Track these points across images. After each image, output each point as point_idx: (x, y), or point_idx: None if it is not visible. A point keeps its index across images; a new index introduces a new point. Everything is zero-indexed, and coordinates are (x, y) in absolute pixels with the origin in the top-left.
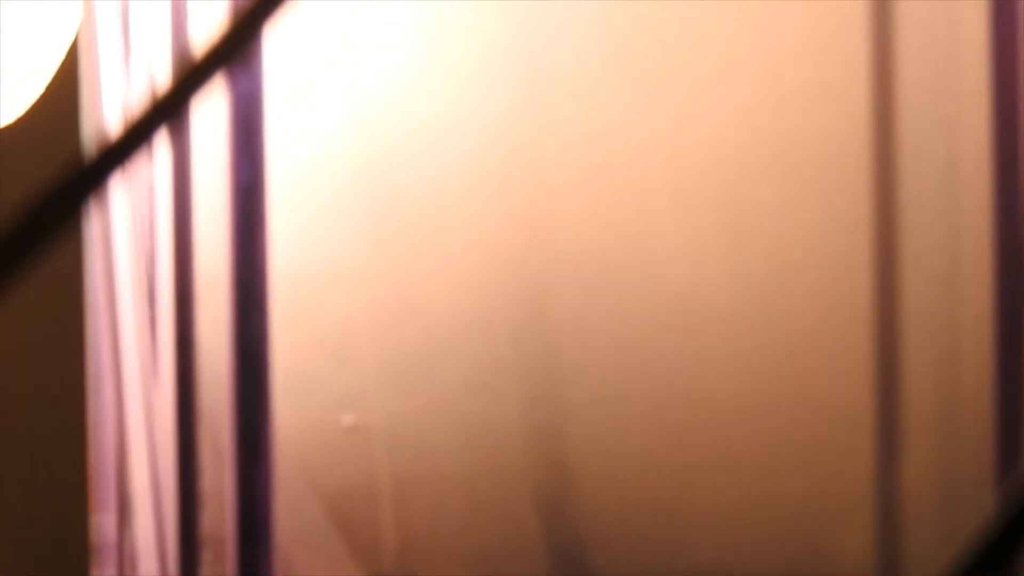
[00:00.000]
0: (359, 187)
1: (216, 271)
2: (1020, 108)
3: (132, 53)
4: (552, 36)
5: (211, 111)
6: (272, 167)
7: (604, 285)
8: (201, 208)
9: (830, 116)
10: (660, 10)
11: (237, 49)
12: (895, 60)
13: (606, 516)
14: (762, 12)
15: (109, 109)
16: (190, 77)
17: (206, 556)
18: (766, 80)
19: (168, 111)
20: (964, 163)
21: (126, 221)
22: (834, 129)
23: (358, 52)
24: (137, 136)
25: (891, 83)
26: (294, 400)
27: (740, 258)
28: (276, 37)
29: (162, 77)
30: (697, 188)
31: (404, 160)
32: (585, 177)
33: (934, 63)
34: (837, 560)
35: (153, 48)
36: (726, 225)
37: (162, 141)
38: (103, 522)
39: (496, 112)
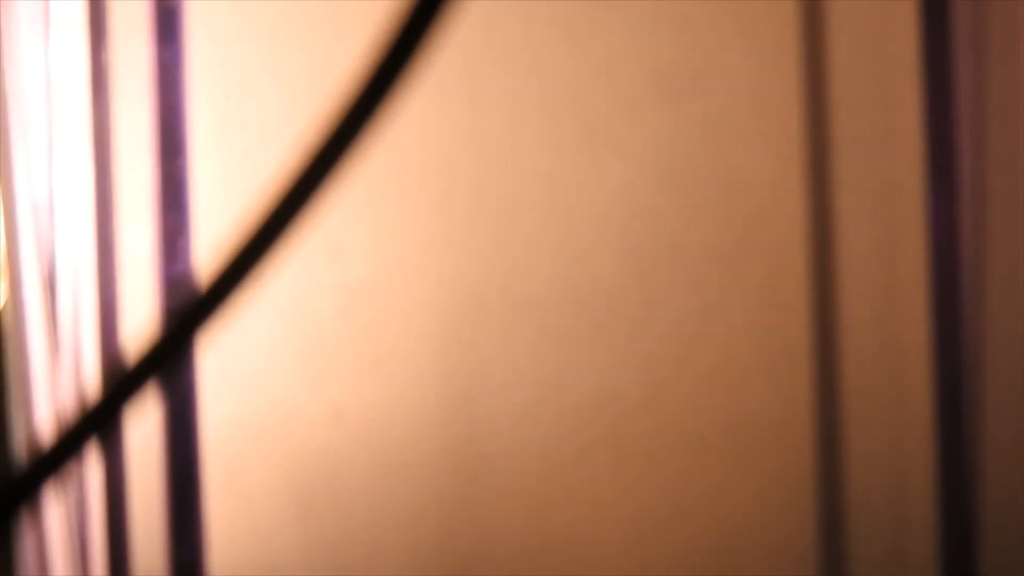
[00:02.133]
0: (293, 481)
1: (153, 573)
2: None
3: (61, 351)
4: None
5: (144, 414)
6: (207, 464)
7: None
8: (136, 510)
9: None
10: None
11: (170, 354)
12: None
13: None
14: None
15: (39, 413)
16: (122, 384)
17: None
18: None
19: (100, 419)
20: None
21: (59, 528)
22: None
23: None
24: (69, 444)
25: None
26: None
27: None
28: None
29: (93, 383)
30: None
31: (337, 452)
32: (522, 481)
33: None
34: None
35: (83, 347)
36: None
37: (94, 449)
38: None
39: (427, 412)
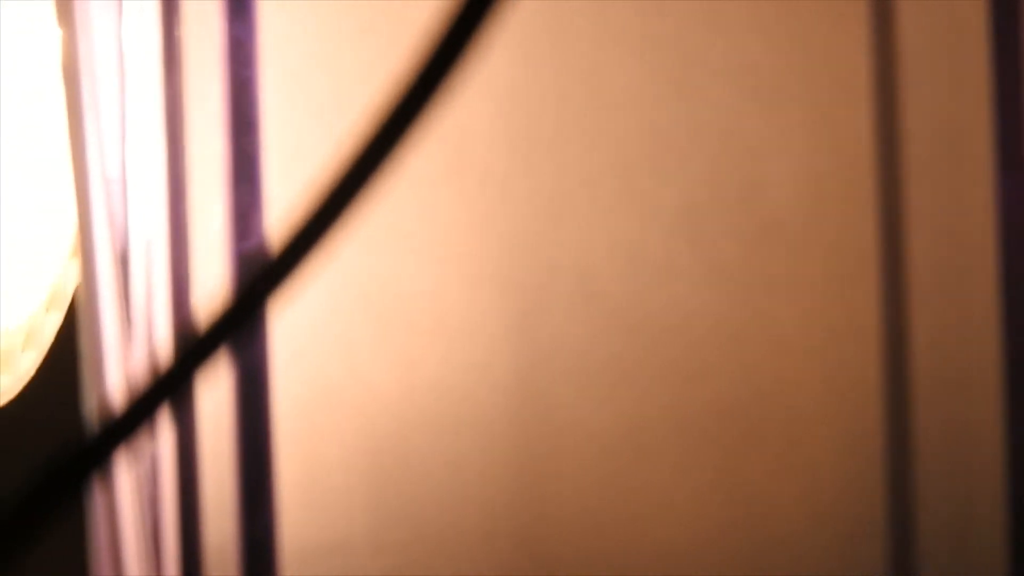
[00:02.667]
0: (367, 461)
1: (224, 547)
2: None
3: (134, 325)
4: (550, 314)
5: (216, 383)
6: (278, 436)
7: (605, 545)
8: (207, 482)
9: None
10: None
11: (241, 321)
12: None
13: None
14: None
15: (111, 384)
16: (193, 351)
17: None
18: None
19: (172, 386)
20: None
21: (130, 498)
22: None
23: (370, 343)
24: (140, 412)
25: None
26: None
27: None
28: (279, 310)
29: (165, 351)
30: (698, 449)
31: (409, 427)
32: (590, 439)
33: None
34: None
35: (155, 321)
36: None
37: (165, 416)
38: None
39: (499, 388)
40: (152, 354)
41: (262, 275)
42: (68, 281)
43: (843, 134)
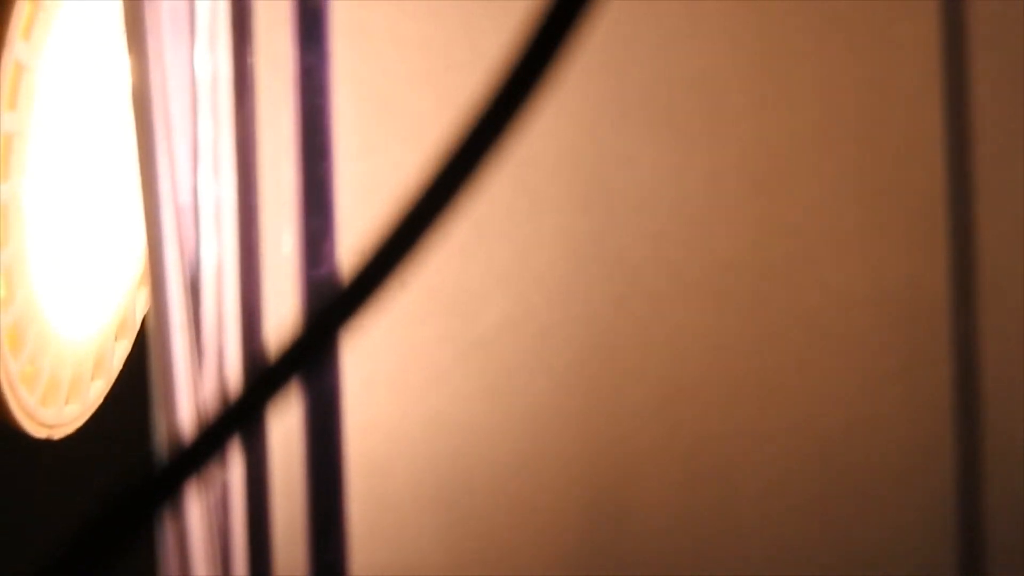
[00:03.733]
0: (438, 493)
1: None
2: None
3: (204, 353)
4: (625, 331)
5: (287, 412)
6: (349, 467)
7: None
8: (278, 513)
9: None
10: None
11: (313, 351)
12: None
13: None
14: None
15: (182, 413)
16: (264, 380)
17: None
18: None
19: (242, 416)
20: None
21: (200, 529)
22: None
23: (427, 361)
24: (211, 442)
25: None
26: None
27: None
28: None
29: (235, 380)
30: (783, 468)
31: (482, 457)
32: (667, 470)
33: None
34: None
35: (226, 350)
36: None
37: (236, 446)
38: None
39: (573, 422)
40: (223, 383)
41: (333, 304)
42: (137, 309)
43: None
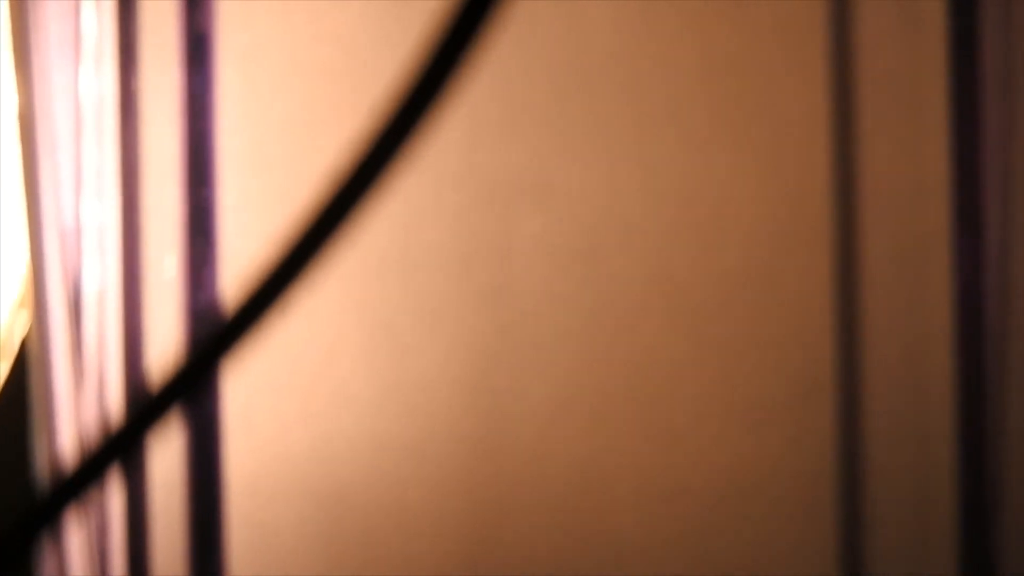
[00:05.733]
0: (320, 517)
1: None
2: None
3: (86, 376)
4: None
5: (168, 439)
6: (230, 494)
7: None
8: (158, 540)
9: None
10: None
11: (195, 378)
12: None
13: None
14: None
15: (62, 438)
16: (146, 408)
17: None
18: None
19: (124, 443)
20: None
21: (80, 556)
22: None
23: (316, 378)
24: (92, 468)
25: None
26: None
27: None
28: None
29: (117, 406)
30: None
31: (360, 481)
32: (548, 488)
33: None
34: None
35: (107, 374)
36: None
37: (117, 474)
38: None
39: (454, 442)
40: (104, 408)
41: (215, 332)
42: (16, 331)
43: (802, 187)
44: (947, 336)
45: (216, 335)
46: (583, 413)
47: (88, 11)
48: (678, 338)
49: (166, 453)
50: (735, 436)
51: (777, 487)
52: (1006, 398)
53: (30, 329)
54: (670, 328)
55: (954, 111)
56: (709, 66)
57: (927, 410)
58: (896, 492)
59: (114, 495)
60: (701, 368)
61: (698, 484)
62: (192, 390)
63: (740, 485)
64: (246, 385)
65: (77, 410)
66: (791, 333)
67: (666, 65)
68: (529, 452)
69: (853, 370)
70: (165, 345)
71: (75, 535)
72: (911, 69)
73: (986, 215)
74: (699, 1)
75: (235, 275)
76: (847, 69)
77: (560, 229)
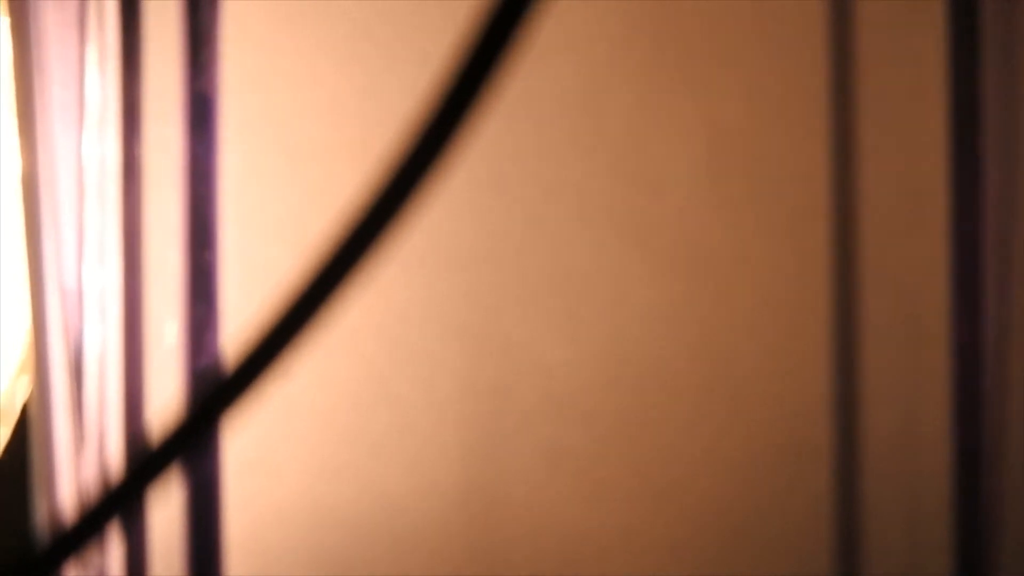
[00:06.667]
0: (315, 568)
1: None
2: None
3: (86, 437)
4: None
5: (167, 497)
6: (229, 552)
7: None
8: None
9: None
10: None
11: (194, 437)
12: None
13: None
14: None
15: (62, 497)
16: (145, 465)
17: None
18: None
19: (123, 500)
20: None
21: None
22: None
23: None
24: (91, 525)
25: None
26: None
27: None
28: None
29: (117, 464)
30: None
31: (358, 539)
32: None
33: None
34: None
35: (107, 435)
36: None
37: (116, 529)
38: None
39: (450, 505)
40: (104, 467)
41: (215, 392)
42: (17, 394)
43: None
44: (945, 401)
45: (216, 392)
46: (578, 473)
47: (92, 76)
48: (675, 400)
49: (165, 510)
50: (730, 494)
51: (772, 545)
52: (1004, 460)
53: (31, 392)
54: (667, 390)
55: (954, 180)
56: (714, 135)
57: (923, 474)
58: (892, 559)
59: (113, 551)
60: (698, 427)
61: (696, 541)
62: (192, 447)
63: (735, 543)
64: (246, 442)
65: (77, 471)
66: (788, 397)
67: (670, 134)
68: (525, 512)
69: (850, 435)
70: (165, 406)
71: None
72: (913, 145)
73: (985, 286)
74: (705, 69)
75: (236, 337)
76: (850, 147)
77: (551, 293)
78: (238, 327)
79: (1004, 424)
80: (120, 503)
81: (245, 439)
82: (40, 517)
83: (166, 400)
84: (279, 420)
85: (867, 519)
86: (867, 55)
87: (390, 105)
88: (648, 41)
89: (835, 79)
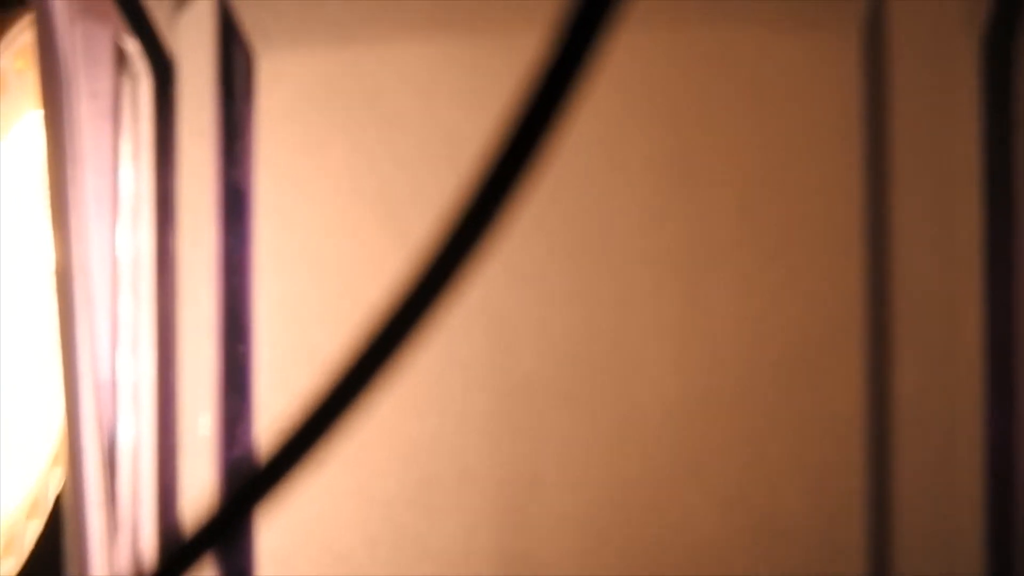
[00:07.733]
0: None
1: None
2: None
3: (119, 531)
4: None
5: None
6: None
7: None
8: None
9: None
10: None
11: (227, 530)
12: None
13: None
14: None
15: None
16: (178, 559)
17: None
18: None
19: None
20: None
21: None
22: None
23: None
24: None
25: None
26: None
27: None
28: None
29: (150, 558)
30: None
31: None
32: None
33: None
34: None
35: (141, 529)
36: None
37: None
38: None
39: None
40: (137, 559)
41: (249, 484)
42: (50, 487)
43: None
44: (978, 464)
45: (250, 483)
46: (606, 528)
47: (126, 167)
48: (705, 457)
49: None
50: (762, 551)
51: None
52: None
53: (64, 484)
54: (698, 451)
55: (989, 262)
56: (745, 192)
57: (956, 495)
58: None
59: None
60: (727, 480)
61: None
62: (225, 539)
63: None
64: (279, 535)
65: (110, 563)
66: (822, 455)
67: (700, 195)
68: (555, 538)
69: (883, 495)
70: (199, 498)
71: None
72: (948, 216)
73: (1020, 313)
74: (733, 127)
75: (269, 429)
76: (882, 213)
77: (569, 373)
78: (272, 419)
79: None
80: None
81: (278, 531)
82: None
83: (199, 492)
84: (313, 513)
85: (898, 531)
86: (900, 91)
87: (428, 198)
88: (675, 85)
89: (870, 138)
